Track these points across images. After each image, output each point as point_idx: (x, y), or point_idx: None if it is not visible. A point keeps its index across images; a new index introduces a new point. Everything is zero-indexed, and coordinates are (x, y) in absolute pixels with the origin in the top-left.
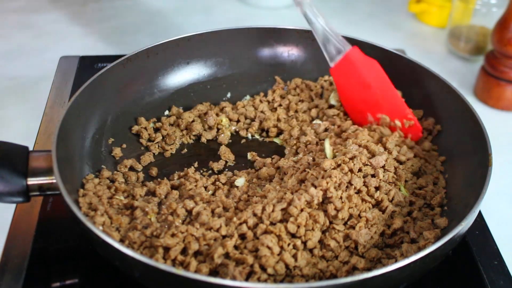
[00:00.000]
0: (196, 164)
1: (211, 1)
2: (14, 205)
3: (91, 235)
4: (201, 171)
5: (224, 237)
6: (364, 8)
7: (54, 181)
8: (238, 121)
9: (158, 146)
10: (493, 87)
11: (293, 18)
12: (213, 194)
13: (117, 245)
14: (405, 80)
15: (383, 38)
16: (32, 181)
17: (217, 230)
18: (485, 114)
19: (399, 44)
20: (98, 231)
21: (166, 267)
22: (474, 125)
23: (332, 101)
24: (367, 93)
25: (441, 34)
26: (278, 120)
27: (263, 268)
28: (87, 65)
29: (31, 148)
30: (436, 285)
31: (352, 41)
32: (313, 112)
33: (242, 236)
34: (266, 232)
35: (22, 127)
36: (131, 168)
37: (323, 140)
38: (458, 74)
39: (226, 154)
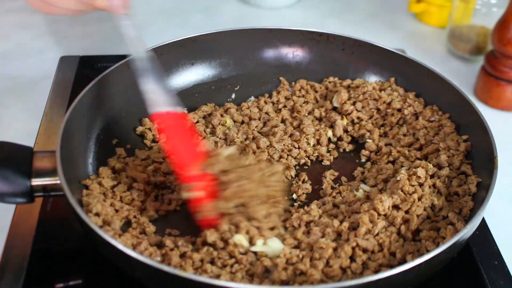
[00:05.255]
0: None
1: (211, 1)
2: (14, 205)
3: (94, 236)
4: None
5: None
6: (364, 8)
7: (58, 182)
8: (242, 122)
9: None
10: (493, 87)
11: (293, 18)
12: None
13: (120, 246)
14: (406, 80)
15: (383, 38)
16: (36, 181)
17: None
18: (485, 114)
19: (399, 44)
20: (101, 232)
21: (170, 269)
22: (479, 127)
23: (335, 103)
24: None
25: (441, 34)
26: (283, 121)
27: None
28: (87, 65)
29: None
30: (436, 285)
31: (353, 41)
32: (316, 112)
33: None
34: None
35: (22, 127)
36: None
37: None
38: (458, 74)
39: None
